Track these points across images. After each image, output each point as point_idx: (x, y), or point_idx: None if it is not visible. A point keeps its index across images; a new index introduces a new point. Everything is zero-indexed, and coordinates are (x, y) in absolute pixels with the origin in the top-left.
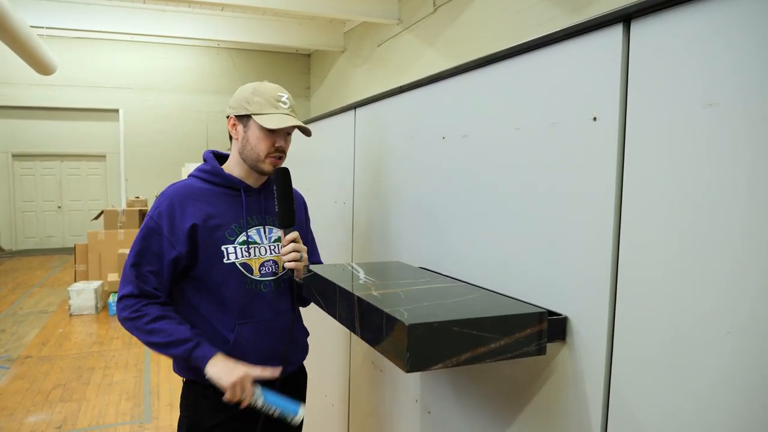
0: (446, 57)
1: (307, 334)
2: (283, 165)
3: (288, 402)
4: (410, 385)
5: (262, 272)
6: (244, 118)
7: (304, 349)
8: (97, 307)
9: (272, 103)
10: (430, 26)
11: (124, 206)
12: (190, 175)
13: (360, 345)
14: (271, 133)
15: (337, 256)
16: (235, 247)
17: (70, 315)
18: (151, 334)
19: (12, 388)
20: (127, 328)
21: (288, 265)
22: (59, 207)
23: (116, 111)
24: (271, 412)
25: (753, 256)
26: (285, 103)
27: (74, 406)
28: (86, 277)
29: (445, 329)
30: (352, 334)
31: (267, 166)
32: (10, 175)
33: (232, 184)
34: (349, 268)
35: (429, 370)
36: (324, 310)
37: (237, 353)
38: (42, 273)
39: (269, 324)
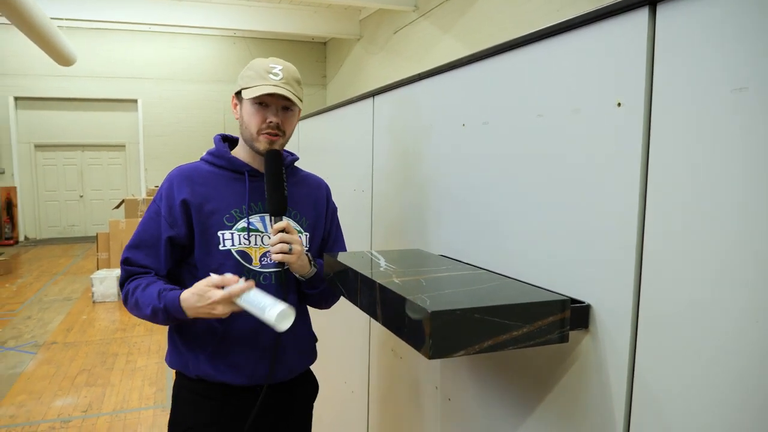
0: (463, 44)
1: (314, 339)
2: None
3: (270, 301)
4: (430, 372)
5: (263, 263)
6: (239, 96)
7: (306, 354)
8: (119, 295)
9: (262, 75)
10: (446, 13)
11: (144, 195)
12: (200, 159)
13: (379, 332)
14: (262, 106)
15: (356, 243)
16: (232, 233)
17: (94, 302)
18: (138, 309)
19: (39, 372)
20: (130, 311)
21: (275, 257)
22: (81, 196)
23: (135, 101)
24: (254, 313)
25: None
26: (276, 74)
27: (99, 391)
28: (108, 265)
29: (467, 316)
30: (371, 321)
31: (261, 144)
32: (33, 165)
33: (235, 167)
34: (370, 255)
35: (451, 357)
36: (345, 297)
37: (224, 347)
38: (65, 261)
39: None
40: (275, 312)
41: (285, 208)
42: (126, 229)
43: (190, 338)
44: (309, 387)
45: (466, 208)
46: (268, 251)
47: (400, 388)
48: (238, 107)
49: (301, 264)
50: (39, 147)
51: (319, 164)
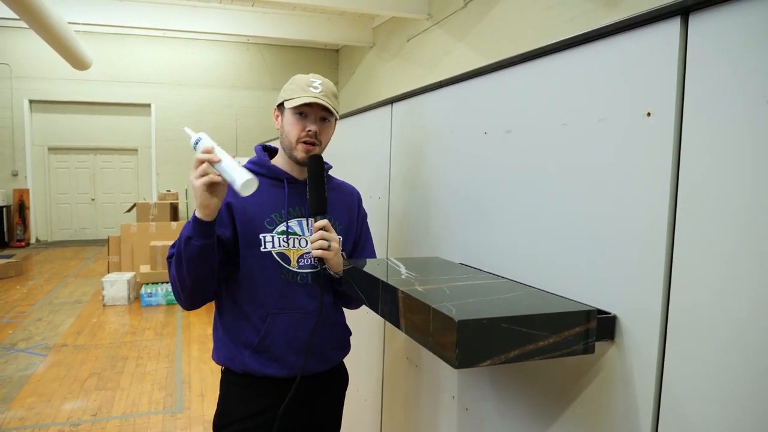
0: (476, 52)
1: (348, 332)
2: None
3: (236, 173)
4: (447, 381)
5: (300, 264)
6: (281, 108)
7: (341, 347)
8: (129, 298)
9: (303, 88)
10: (460, 21)
11: (155, 199)
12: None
13: (394, 340)
14: (301, 117)
15: None
16: (273, 236)
17: (104, 305)
18: (172, 266)
19: (49, 375)
20: (180, 300)
21: (314, 253)
22: (93, 199)
23: (148, 106)
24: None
25: None
26: (316, 87)
27: (109, 395)
28: (119, 269)
29: (494, 326)
30: (386, 328)
31: (300, 153)
32: (46, 168)
33: (275, 174)
34: (389, 262)
35: (477, 367)
36: (365, 304)
37: (267, 342)
38: (76, 264)
39: (306, 316)
40: (241, 182)
41: (325, 207)
42: (137, 232)
43: (236, 336)
44: (342, 378)
45: (485, 216)
46: (305, 253)
47: (415, 397)
48: (279, 118)
49: (337, 261)
50: (52, 150)
51: (336, 171)
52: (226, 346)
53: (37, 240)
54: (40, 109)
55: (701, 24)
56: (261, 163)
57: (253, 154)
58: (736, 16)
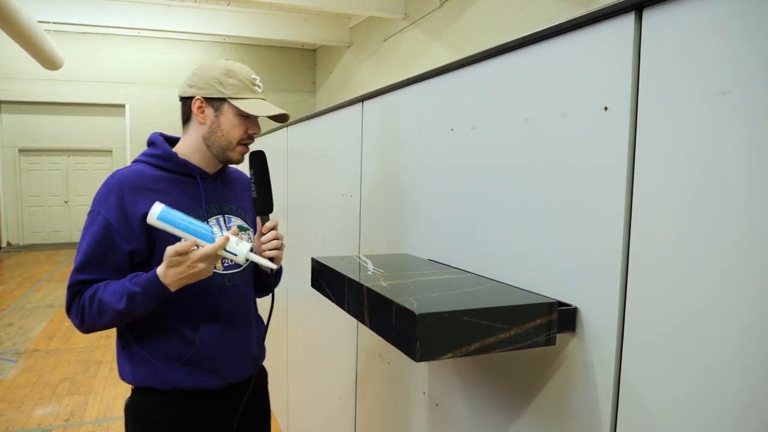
0: (452, 52)
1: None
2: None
3: (238, 247)
4: (418, 377)
5: (225, 265)
6: (215, 101)
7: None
8: None
9: (248, 86)
10: (436, 21)
11: None
12: (136, 160)
13: (367, 338)
14: (247, 119)
15: (344, 248)
16: None
17: None
18: (103, 314)
19: (20, 381)
20: (87, 331)
21: (269, 254)
22: (66, 202)
23: (122, 106)
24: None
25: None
26: (259, 86)
27: (81, 399)
28: None
29: (455, 319)
30: (359, 327)
31: (236, 155)
32: (17, 170)
33: (187, 170)
34: (358, 260)
35: (438, 360)
36: (333, 301)
37: (202, 354)
38: (49, 267)
39: (234, 320)
40: (244, 258)
41: (272, 206)
42: None
43: (158, 351)
44: (262, 372)
45: (453, 212)
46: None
47: (388, 394)
48: (207, 111)
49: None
50: (23, 151)
51: (308, 169)
52: (147, 363)
53: (8, 243)
54: (10, 110)
55: (654, 19)
56: (168, 158)
57: None
58: (689, 11)
